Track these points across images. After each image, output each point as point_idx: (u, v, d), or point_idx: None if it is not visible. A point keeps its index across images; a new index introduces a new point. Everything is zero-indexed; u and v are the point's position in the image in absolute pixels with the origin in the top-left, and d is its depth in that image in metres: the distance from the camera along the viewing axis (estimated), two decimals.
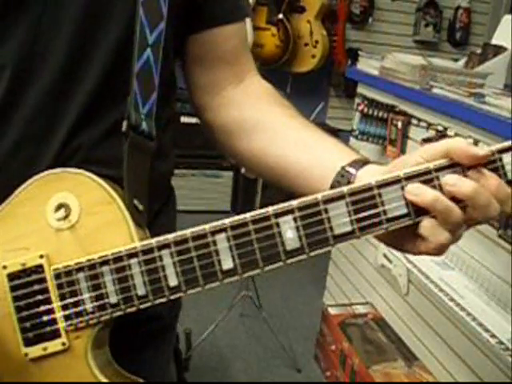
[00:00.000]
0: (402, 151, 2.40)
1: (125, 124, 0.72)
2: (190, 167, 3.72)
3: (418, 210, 0.63)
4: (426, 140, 2.13)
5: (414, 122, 2.32)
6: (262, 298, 2.70)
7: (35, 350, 0.68)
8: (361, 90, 2.75)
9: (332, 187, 0.72)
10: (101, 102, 0.73)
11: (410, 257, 2.21)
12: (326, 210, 0.64)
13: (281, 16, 3.70)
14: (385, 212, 0.63)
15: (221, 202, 3.91)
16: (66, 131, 0.72)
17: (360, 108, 2.60)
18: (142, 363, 0.82)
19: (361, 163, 0.72)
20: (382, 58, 2.66)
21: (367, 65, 2.80)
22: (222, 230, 0.66)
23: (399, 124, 2.36)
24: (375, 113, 2.54)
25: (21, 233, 0.69)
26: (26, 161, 0.71)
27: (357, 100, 2.75)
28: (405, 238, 0.65)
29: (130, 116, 0.73)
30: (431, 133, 2.19)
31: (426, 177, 0.62)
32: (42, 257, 0.68)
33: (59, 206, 0.69)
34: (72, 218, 0.68)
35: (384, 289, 2.51)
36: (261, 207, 0.66)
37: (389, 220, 0.63)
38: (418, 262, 2.13)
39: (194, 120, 3.36)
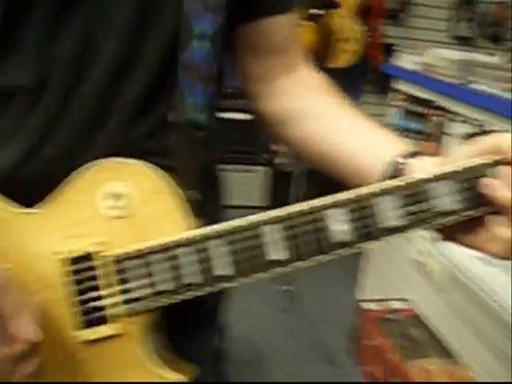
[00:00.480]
0: (440, 147, 2.39)
1: (174, 115, 0.74)
2: (225, 162, 3.71)
3: (475, 205, 0.63)
4: (470, 136, 2.12)
5: (452, 117, 2.31)
6: (296, 293, 2.71)
7: (88, 334, 0.70)
8: (398, 85, 2.74)
9: (382, 177, 0.73)
10: (153, 93, 0.75)
11: (446, 252, 2.20)
12: (377, 204, 0.65)
13: (314, 11, 3.69)
14: (438, 205, 0.64)
15: (254, 197, 3.93)
16: (119, 123, 0.74)
17: (398, 103, 2.59)
18: (187, 349, 0.84)
19: (412, 154, 0.73)
20: (421, 53, 2.65)
21: (405, 60, 2.78)
22: (273, 221, 0.67)
23: (437, 119, 2.35)
24: (413, 108, 2.53)
25: (76, 220, 0.71)
26: (80, 153, 0.73)
27: (392, 95, 2.74)
28: (473, 233, 0.66)
29: (181, 107, 0.74)
30: (469, 128, 2.18)
31: (484, 171, 0.63)
32: (97, 243, 0.70)
33: (115, 195, 0.70)
34: (126, 207, 0.70)
35: (419, 284, 2.50)
36: (296, 202, 0.68)
37: (444, 214, 0.64)
38: (454, 257, 2.12)
39: (228, 115, 3.38)
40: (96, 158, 0.72)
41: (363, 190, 0.66)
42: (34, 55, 0.71)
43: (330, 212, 0.67)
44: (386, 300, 2.64)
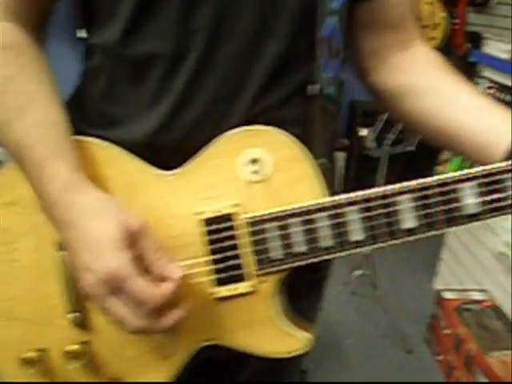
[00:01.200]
0: None
1: (313, 87, 0.77)
2: None
3: None
4: None
5: None
6: (374, 279, 2.71)
7: (224, 290, 0.75)
8: (485, 73, 2.69)
9: (506, 156, 0.74)
10: (287, 63, 0.77)
11: None
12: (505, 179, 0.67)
13: None
14: None
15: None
16: (254, 92, 0.76)
17: (485, 92, 2.55)
18: (301, 312, 0.87)
19: None
20: (507, 41, 2.59)
21: (492, 48, 2.72)
22: (406, 191, 0.70)
23: None
24: (500, 96, 2.48)
25: (214, 182, 0.75)
26: (217, 120, 0.76)
27: (479, 83, 2.69)
28: None
29: (318, 79, 0.77)
30: None
31: None
32: (235, 205, 0.74)
33: (252, 160, 0.74)
34: (264, 172, 0.74)
35: (502, 277, 2.46)
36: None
37: None
38: None
39: None
40: (232, 125, 0.76)
41: (493, 167, 0.68)
42: (174, 24, 0.74)
43: (462, 185, 0.69)
44: (465, 290, 2.61)
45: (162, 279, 0.67)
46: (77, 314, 0.78)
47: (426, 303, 2.71)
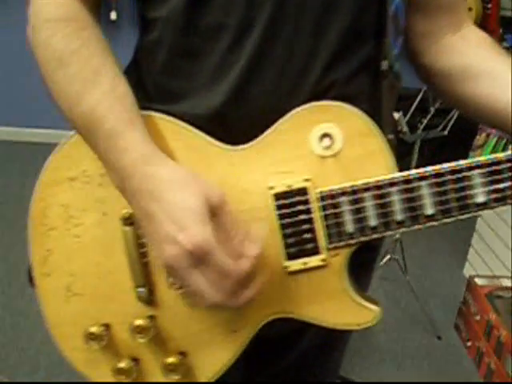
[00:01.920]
0: None
1: (385, 64, 0.76)
2: None
3: None
4: None
5: None
6: (404, 264, 2.70)
7: (296, 264, 0.75)
8: None
9: None
10: (353, 39, 0.77)
11: None
12: None
13: None
14: None
15: None
16: (321, 67, 0.76)
17: None
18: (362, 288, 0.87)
19: None
20: None
21: None
22: (475, 167, 0.71)
23: None
24: None
25: (285, 157, 0.75)
26: (284, 96, 0.76)
27: None
28: None
29: (388, 56, 0.77)
30: None
31: None
32: (307, 180, 0.74)
33: (324, 135, 0.74)
34: (335, 147, 0.74)
35: None
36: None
37: None
38: None
39: None
40: (301, 99, 0.75)
41: None
42: None
43: None
44: (496, 277, 2.60)
45: (239, 254, 0.67)
46: (143, 289, 0.79)
47: (457, 289, 2.70)
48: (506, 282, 2.53)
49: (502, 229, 2.66)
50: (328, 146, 0.74)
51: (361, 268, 0.90)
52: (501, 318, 2.32)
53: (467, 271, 2.92)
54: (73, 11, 0.76)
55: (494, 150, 2.87)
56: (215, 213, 0.67)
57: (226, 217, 0.68)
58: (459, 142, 2.99)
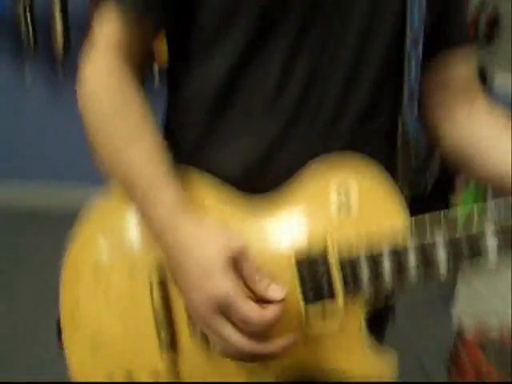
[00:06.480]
0: None
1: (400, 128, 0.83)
2: None
3: None
4: None
5: None
6: None
7: (315, 319, 0.78)
8: None
9: None
10: (379, 96, 0.83)
11: None
12: None
13: None
14: None
15: None
16: (351, 121, 0.82)
17: None
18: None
19: None
20: None
21: None
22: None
23: None
24: None
25: (305, 212, 0.80)
26: (319, 145, 0.81)
27: None
28: None
29: (404, 119, 0.83)
30: None
31: None
32: (325, 236, 0.77)
33: (340, 190, 0.78)
34: (352, 204, 0.78)
35: None
36: None
37: None
38: None
39: None
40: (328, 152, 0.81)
41: None
42: (280, 57, 0.79)
43: None
44: (485, 321, 2.62)
45: (264, 301, 0.71)
46: (167, 336, 0.82)
47: (446, 332, 2.72)
48: (495, 327, 2.55)
49: (488, 273, 2.69)
50: (345, 202, 0.78)
51: (382, 318, 0.94)
52: (489, 362, 2.33)
53: (456, 314, 2.94)
54: (117, 71, 0.82)
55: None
56: (238, 262, 0.72)
57: (249, 265, 0.72)
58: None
